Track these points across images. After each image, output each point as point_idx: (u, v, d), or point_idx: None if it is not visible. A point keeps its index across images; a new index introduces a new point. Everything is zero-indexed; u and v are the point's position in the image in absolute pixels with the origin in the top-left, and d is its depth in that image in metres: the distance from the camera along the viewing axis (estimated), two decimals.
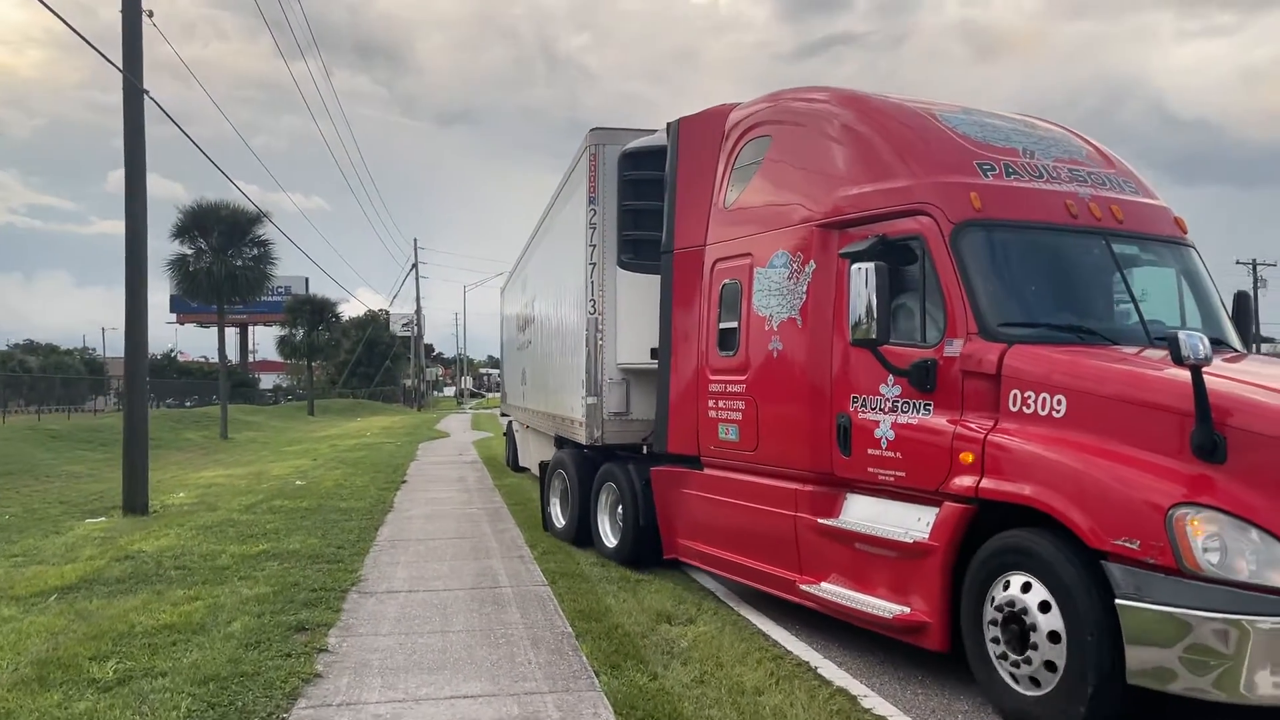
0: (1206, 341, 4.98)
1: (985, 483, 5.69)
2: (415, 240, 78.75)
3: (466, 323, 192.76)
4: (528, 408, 16.03)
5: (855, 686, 6.12)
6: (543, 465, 12.74)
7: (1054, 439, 5.52)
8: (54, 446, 28.98)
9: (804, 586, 7.04)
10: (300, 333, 63.24)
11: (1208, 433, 4.98)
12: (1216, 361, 5.67)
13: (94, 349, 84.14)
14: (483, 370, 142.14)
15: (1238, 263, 65.59)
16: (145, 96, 14.94)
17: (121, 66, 14.73)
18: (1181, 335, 4.96)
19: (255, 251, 39.56)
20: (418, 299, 79.04)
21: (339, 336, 68.81)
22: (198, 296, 40.49)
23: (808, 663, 6.57)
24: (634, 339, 9.83)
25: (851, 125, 7.26)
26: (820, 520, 6.97)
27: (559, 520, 11.52)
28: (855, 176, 7.06)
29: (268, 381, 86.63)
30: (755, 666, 6.40)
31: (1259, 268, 62.48)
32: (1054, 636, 5.20)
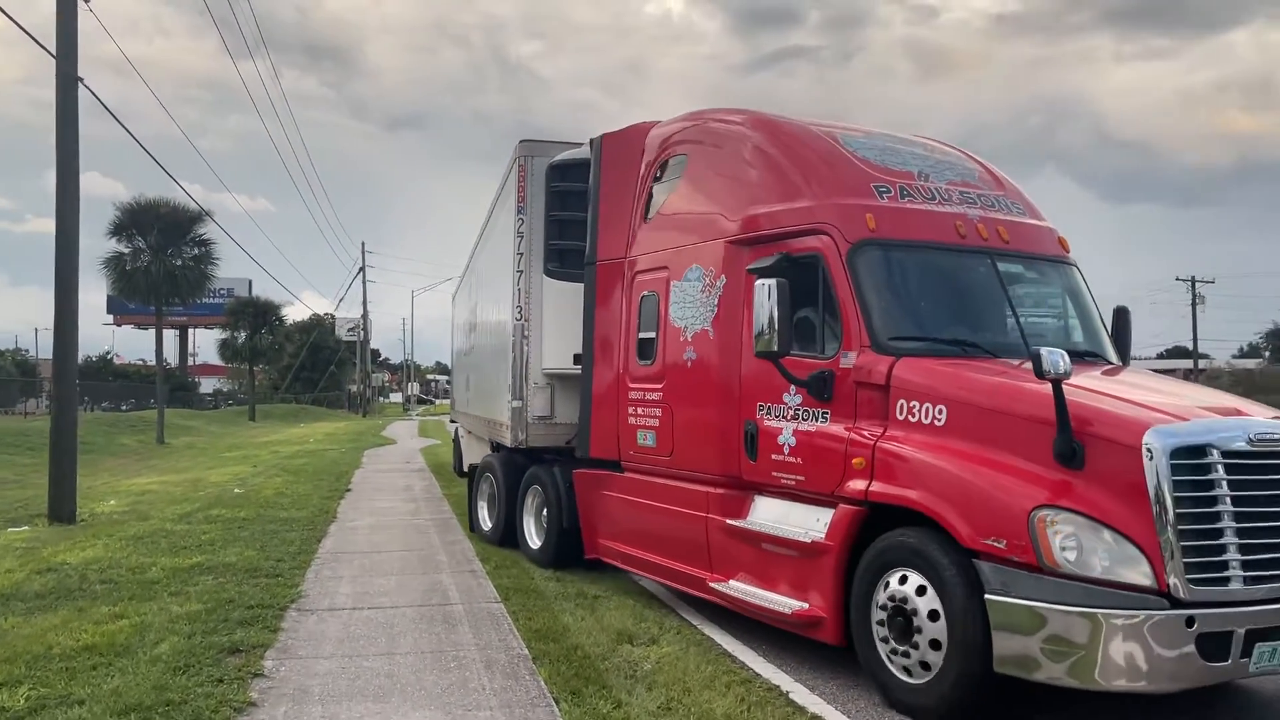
0: (1066, 357, 5.39)
1: (874, 486, 6.08)
2: (363, 244, 77.23)
3: (415, 328, 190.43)
4: (469, 413, 15.75)
5: (831, 714, 5.79)
6: (472, 468, 12.92)
7: (935, 446, 5.91)
8: None
9: (713, 584, 7.37)
10: (242, 336, 61.74)
11: (1067, 441, 5.38)
12: (1090, 374, 6.35)
13: (27, 350, 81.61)
14: (431, 376, 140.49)
15: (1178, 279, 67.06)
16: (80, 85, 14.24)
17: (55, 52, 14.03)
18: (1043, 352, 5.38)
19: (196, 251, 38.33)
20: (364, 303, 77.77)
21: (282, 340, 67.26)
22: (135, 297, 39.19)
23: (779, 686, 6.22)
24: (559, 345, 10.08)
25: (762, 147, 7.61)
26: (729, 521, 7.30)
27: (486, 523, 11.73)
28: (763, 196, 7.40)
29: (208, 385, 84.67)
30: (724, 692, 6.03)
31: (1197, 285, 63.82)
32: (937, 629, 5.54)
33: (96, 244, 43.77)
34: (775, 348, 6.59)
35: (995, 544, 5.32)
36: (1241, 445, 5.37)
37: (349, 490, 17.62)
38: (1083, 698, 5.49)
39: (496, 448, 12.07)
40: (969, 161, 8.06)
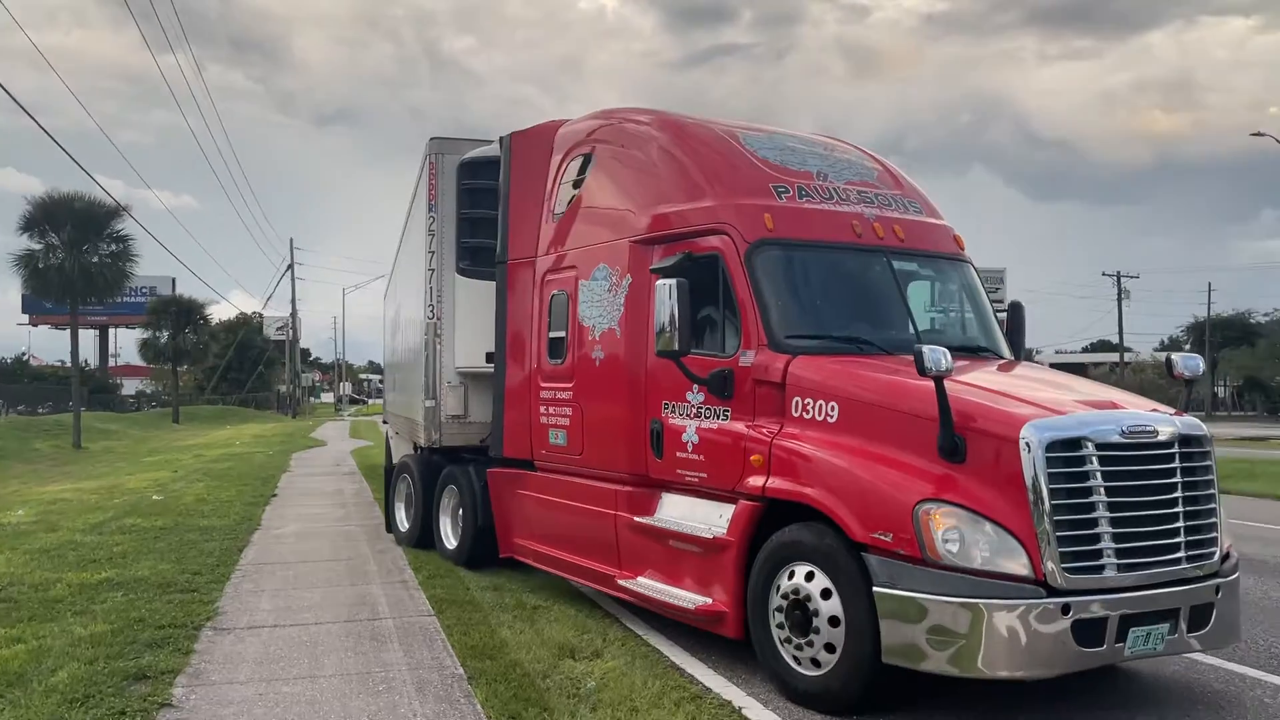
0: (948, 355, 5.48)
1: (771, 483, 6.20)
2: (291, 240, 75.19)
3: (347, 327, 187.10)
4: (396, 413, 15.33)
5: None
6: (388, 469, 12.77)
7: (827, 442, 6.03)
8: None
9: (621, 581, 7.41)
10: (165, 335, 59.88)
11: (949, 435, 5.52)
12: (979, 370, 6.67)
13: None
14: (364, 376, 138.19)
15: (1104, 274, 68.56)
16: None
17: None
18: (925, 349, 5.45)
19: (113, 248, 36.91)
20: (293, 301, 75.87)
21: (207, 340, 65.39)
22: (49, 295, 37.67)
23: (731, 702, 5.88)
24: (472, 343, 10.07)
25: (665, 147, 7.66)
26: (637, 519, 7.34)
27: (403, 523, 11.60)
28: (666, 196, 7.45)
29: (131, 387, 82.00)
30: (674, 710, 5.67)
31: (1123, 280, 65.30)
32: (834, 621, 5.66)
33: (11, 241, 41.79)
34: (676, 346, 6.63)
35: (882, 537, 5.45)
36: (1116, 438, 5.53)
37: (275, 495, 16.92)
38: (969, 684, 5.63)
39: (418, 448, 11.88)
40: (869, 161, 8.17)
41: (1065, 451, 5.39)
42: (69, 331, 41.45)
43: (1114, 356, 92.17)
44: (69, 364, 45.13)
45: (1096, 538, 5.37)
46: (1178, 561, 5.59)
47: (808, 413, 6.23)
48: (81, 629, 7.21)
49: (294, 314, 76.77)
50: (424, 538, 10.87)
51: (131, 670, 6.19)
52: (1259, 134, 37.81)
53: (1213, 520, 5.83)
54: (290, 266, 73.65)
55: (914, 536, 5.35)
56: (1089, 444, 5.44)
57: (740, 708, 5.79)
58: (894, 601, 5.37)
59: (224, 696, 5.83)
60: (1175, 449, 5.70)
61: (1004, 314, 8.17)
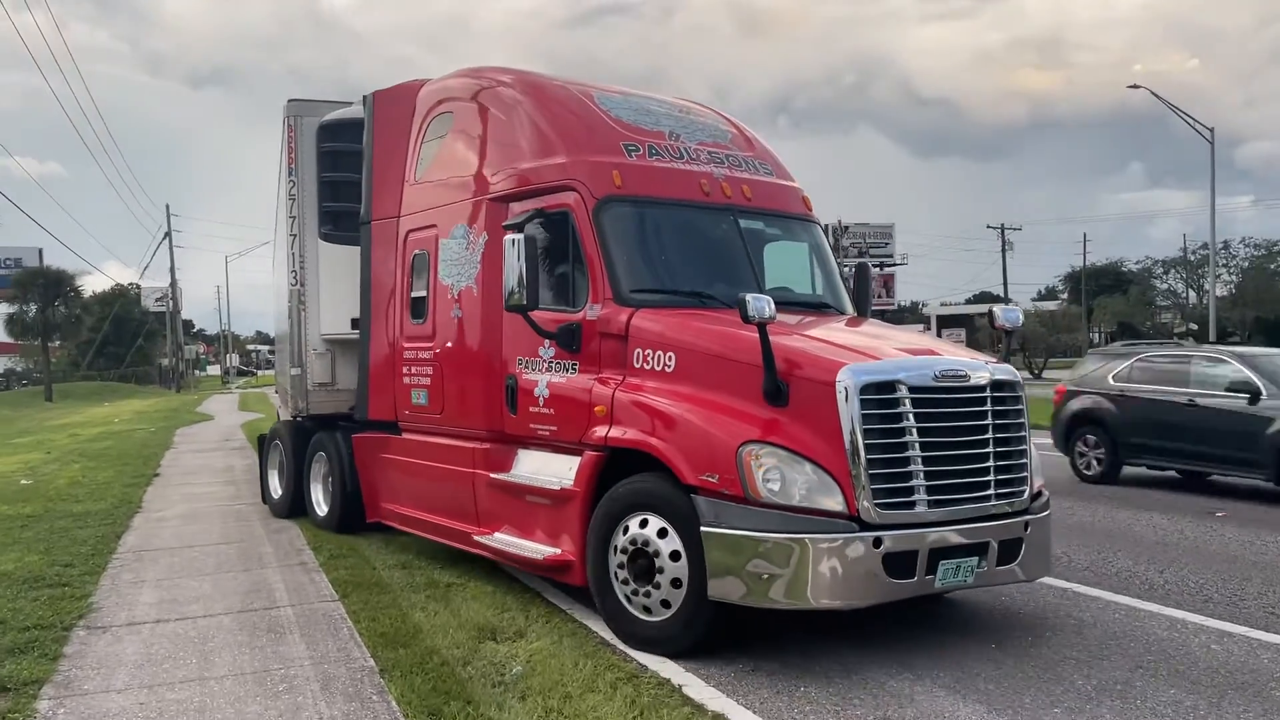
0: (771, 304, 5.73)
1: (612, 432, 6.37)
2: (168, 207, 71.36)
3: (232, 296, 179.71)
4: (279, 382, 14.48)
5: (734, 710, 5.06)
6: (260, 438, 12.63)
7: (664, 391, 6.24)
8: None
9: (478, 537, 7.52)
10: (33, 309, 56.38)
11: (772, 380, 5.78)
12: (814, 322, 7.05)
13: None
14: (252, 347, 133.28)
15: (988, 227, 70.27)
16: None
17: None
18: (749, 298, 5.70)
19: None
20: (172, 270, 72.18)
21: (79, 313, 61.91)
22: None
23: (669, 680, 5.46)
24: (337, 310, 9.97)
25: (521, 107, 7.71)
26: (493, 475, 7.47)
27: (276, 491, 11.49)
28: (520, 154, 7.55)
29: None
30: (610, 693, 5.21)
31: (1006, 232, 67.03)
32: (676, 560, 5.83)
33: None
34: (524, 302, 6.73)
35: (709, 479, 5.68)
36: (928, 381, 5.81)
37: (157, 475, 15.80)
38: (808, 623, 6.15)
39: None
40: (723, 123, 8.37)
41: (879, 394, 5.67)
42: None
43: (994, 307, 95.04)
44: None
45: (909, 475, 5.66)
46: (988, 499, 5.93)
47: (647, 363, 6.42)
48: None
49: (173, 283, 73.16)
50: (296, 507, 10.75)
51: None
52: (1135, 86, 38.78)
53: (1023, 460, 6.16)
54: (168, 234, 69.99)
55: (737, 477, 5.57)
56: (902, 387, 5.71)
57: (680, 685, 5.37)
58: (718, 539, 5.58)
59: (98, 709, 5.12)
60: (987, 393, 6.00)
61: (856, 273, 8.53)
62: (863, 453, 5.54)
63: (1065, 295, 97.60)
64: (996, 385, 6.06)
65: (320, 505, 10.34)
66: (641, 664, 5.76)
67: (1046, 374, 60.87)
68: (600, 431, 6.45)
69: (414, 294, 8.58)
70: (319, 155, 10.21)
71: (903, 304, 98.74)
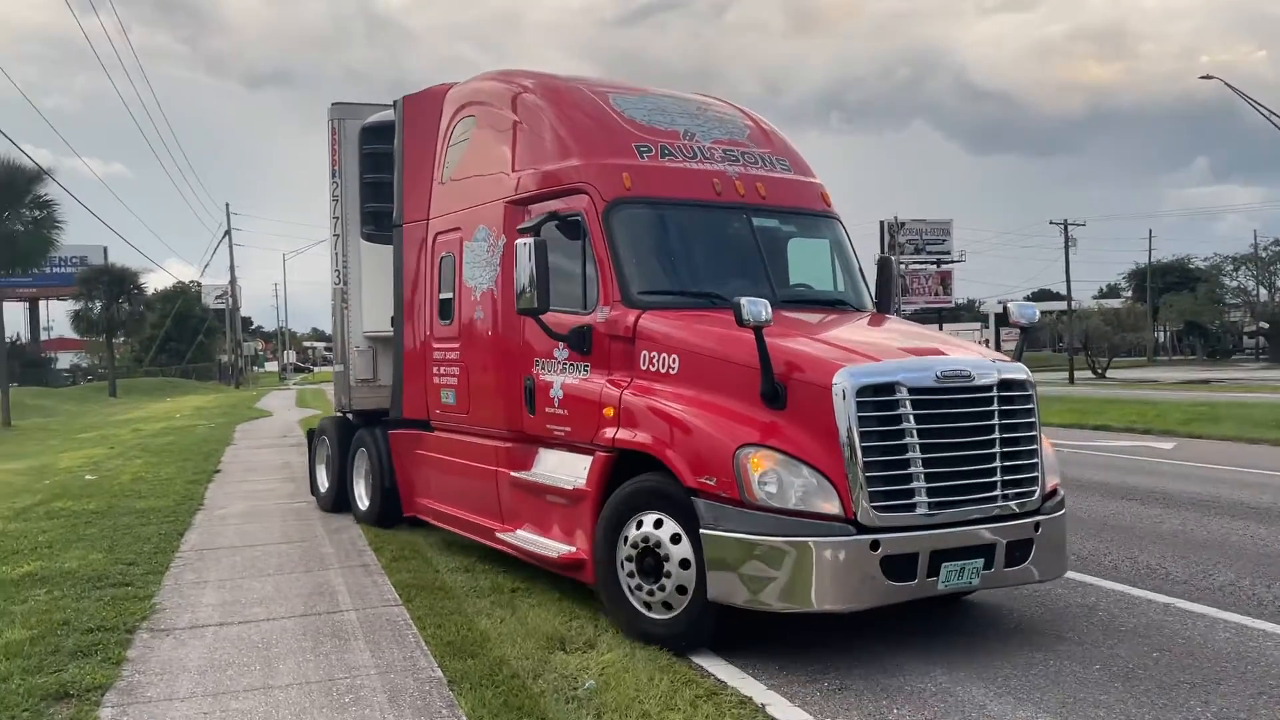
0: (768, 306, 5.67)
1: (619, 434, 6.41)
2: (227, 205, 72.52)
3: (289, 293, 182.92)
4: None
5: None
6: (309, 432, 12.78)
7: (667, 393, 6.27)
8: None
9: (501, 534, 7.64)
10: (98, 306, 57.48)
11: (770, 383, 5.76)
12: (822, 321, 7.02)
13: None
14: (308, 344, 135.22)
15: (1051, 223, 68.73)
16: None
17: None
18: (744, 301, 5.63)
19: (37, 214, 34.86)
20: (231, 267, 73.35)
21: (143, 309, 62.92)
22: None
23: (751, 699, 5.17)
24: (379, 308, 10.13)
25: (537, 109, 7.79)
26: (514, 474, 7.59)
27: (323, 485, 11.68)
28: (536, 157, 7.63)
29: (65, 361, 79.15)
30: (690, 711, 4.94)
31: (1070, 227, 65.51)
32: (685, 564, 5.84)
33: None
34: (535, 305, 6.78)
35: (708, 482, 5.69)
36: (929, 382, 5.72)
37: (219, 471, 15.85)
38: (819, 620, 5.91)
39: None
40: (742, 119, 8.32)
41: (877, 396, 5.60)
42: None
43: (1056, 305, 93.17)
44: None
45: (909, 478, 5.59)
46: (994, 499, 5.84)
47: (653, 365, 6.46)
48: None
49: (233, 281, 74.31)
50: (340, 501, 10.99)
51: (52, 688, 5.29)
52: (1208, 77, 37.61)
53: (1033, 460, 6.07)
54: (228, 232, 71.13)
55: (734, 480, 5.57)
56: (902, 389, 5.64)
57: (764, 704, 5.08)
58: (716, 542, 5.60)
59: (161, 717, 4.96)
60: (994, 393, 5.89)
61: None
62: (860, 455, 5.50)
63: (1130, 293, 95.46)
64: (1005, 385, 5.96)
65: (362, 499, 10.54)
66: (720, 679, 5.47)
67: (1111, 373, 59.52)
68: (609, 433, 6.50)
69: (442, 296, 8.78)
70: (361, 157, 10.39)
71: (959, 301, 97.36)
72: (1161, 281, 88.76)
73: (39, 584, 7.76)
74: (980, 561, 5.78)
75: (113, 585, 7.69)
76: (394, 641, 6.15)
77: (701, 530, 5.66)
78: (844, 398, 5.54)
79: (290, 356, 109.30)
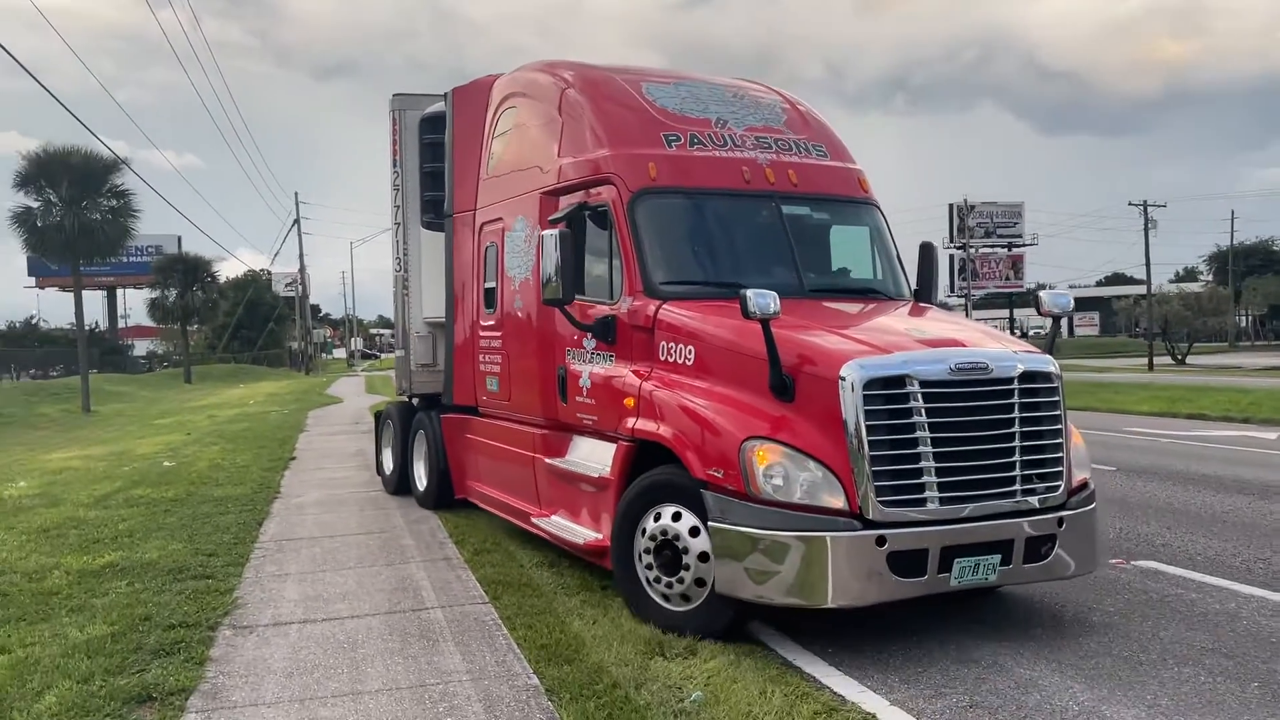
0: (775, 299, 5.57)
1: (638, 424, 6.42)
2: (296, 194, 73.71)
3: (356, 281, 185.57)
4: None
5: None
6: (376, 415, 13.04)
7: (682, 384, 6.25)
8: None
9: (536, 519, 7.75)
10: (173, 294, 58.69)
11: (778, 375, 5.69)
12: (841, 311, 6.86)
13: None
14: (374, 331, 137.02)
15: (1130, 204, 66.49)
16: None
17: None
18: (749, 294, 5.57)
19: (114, 203, 35.54)
20: (300, 255, 74.52)
21: (216, 297, 64.16)
22: (50, 254, 36.38)
23: (875, 715, 4.75)
24: (438, 295, 10.24)
25: (570, 99, 7.78)
26: (548, 460, 7.68)
27: (388, 467, 11.88)
28: (569, 148, 7.64)
29: (142, 348, 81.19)
30: None
31: (1150, 209, 63.31)
32: (704, 557, 5.80)
33: (11, 200, 40.02)
34: (560, 295, 6.85)
35: (715, 474, 5.65)
36: (943, 375, 5.56)
37: (294, 459, 15.81)
38: (841, 613, 5.64)
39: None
40: (781, 105, 8.18)
41: (885, 389, 5.47)
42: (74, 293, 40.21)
43: (1130, 289, 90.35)
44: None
45: (918, 472, 5.45)
46: (1012, 495, 5.66)
47: (671, 355, 6.45)
48: (77, 632, 6.09)
49: (302, 269, 75.56)
50: (402, 483, 11.21)
51: (134, 690, 5.06)
52: None
53: (1058, 454, 5.87)
54: (297, 221, 72.20)
55: (740, 472, 5.52)
56: (913, 381, 5.49)
57: None
58: (722, 534, 5.57)
59: None
60: (1014, 385, 5.70)
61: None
62: (866, 449, 5.38)
63: (1210, 276, 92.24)
64: (1027, 377, 5.77)
65: (420, 480, 10.72)
66: (837, 693, 5.06)
67: (1191, 359, 57.42)
68: (630, 423, 6.52)
69: (486, 285, 8.96)
70: (421, 147, 10.49)
71: (1030, 286, 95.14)
72: (1244, 264, 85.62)
73: (120, 575, 7.62)
74: (997, 558, 5.61)
75: (193, 577, 7.51)
76: (484, 644, 5.83)
77: (709, 523, 5.65)
78: (851, 390, 5.42)
79: (357, 343, 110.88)
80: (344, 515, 10.38)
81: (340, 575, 7.65)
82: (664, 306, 6.57)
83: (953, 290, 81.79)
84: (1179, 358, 58.78)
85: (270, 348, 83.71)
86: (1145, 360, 53.73)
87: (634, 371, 6.66)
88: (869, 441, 5.38)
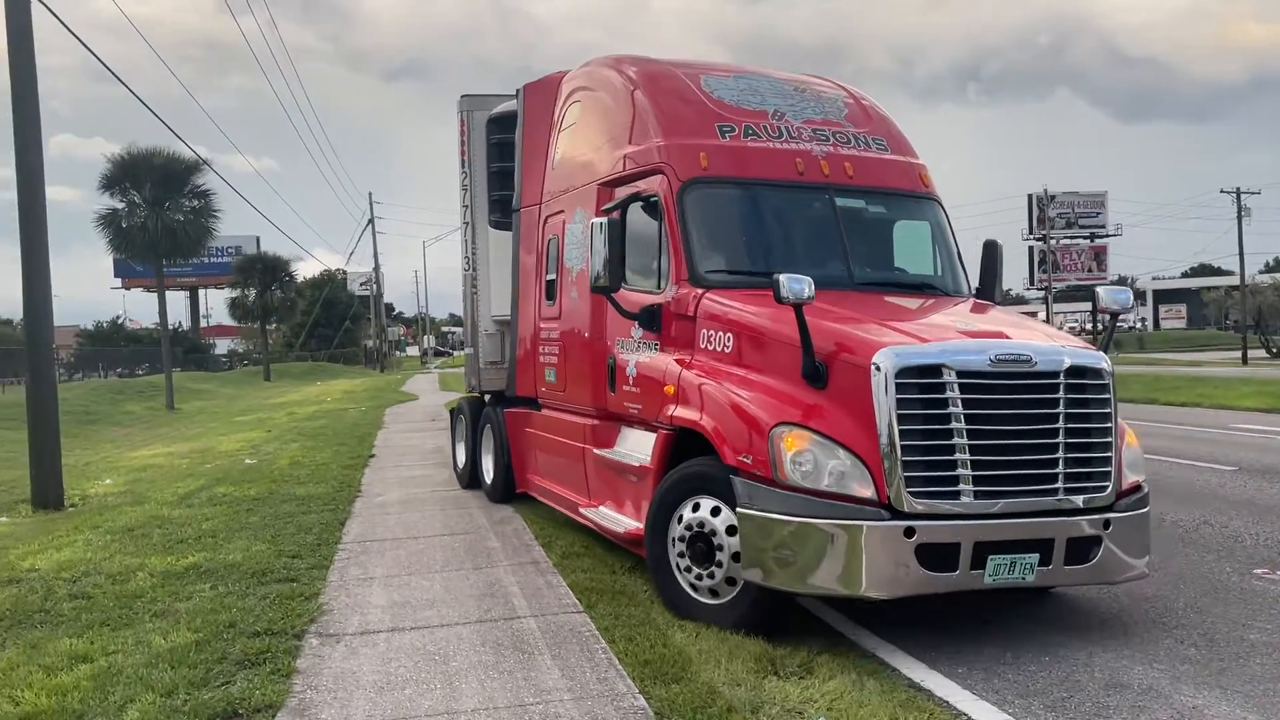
0: (810, 284, 5.54)
1: (676, 411, 6.40)
2: (370, 195, 74.73)
3: (428, 279, 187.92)
4: None
5: None
6: (451, 411, 13.20)
7: (720, 371, 6.24)
8: None
9: (583, 509, 7.86)
10: (252, 293, 59.83)
11: (811, 362, 5.64)
12: (887, 304, 6.74)
13: None
14: (446, 329, 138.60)
15: (1222, 191, 63.98)
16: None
17: None
18: (782, 278, 5.53)
19: (195, 204, 36.19)
20: (375, 255, 75.51)
21: (294, 296, 65.27)
22: (133, 254, 37.17)
23: None
24: (505, 293, 10.34)
25: (628, 92, 7.83)
26: (597, 451, 7.73)
27: (460, 462, 12.11)
28: (626, 139, 7.70)
29: (223, 347, 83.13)
30: None
31: (1242, 196, 60.73)
32: (737, 557, 5.71)
33: (100, 204, 41.05)
34: (607, 284, 6.94)
35: (745, 460, 5.64)
36: (982, 365, 5.41)
37: (373, 456, 15.68)
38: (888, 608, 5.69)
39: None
40: (844, 98, 8.12)
41: (921, 378, 5.37)
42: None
43: (1219, 280, 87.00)
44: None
45: (952, 464, 5.33)
46: (1053, 492, 5.49)
47: (711, 344, 6.47)
48: (161, 639, 5.86)
49: (377, 268, 76.52)
50: (473, 478, 11.38)
51: (219, 705, 4.77)
52: None
53: (1106, 454, 5.66)
54: (371, 221, 73.19)
55: (768, 459, 5.49)
56: (949, 371, 5.37)
57: None
58: (749, 520, 5.54)
59: None
60: (1060, 380, 5.53)
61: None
62: (897, 439, 5.28)
63: None
64: (1075, 372, 5.57)
65: (488, 474, 10.83)
66: (971, 716, 4.56)
67: None
68: (670, 410, 6.50)
69: (548, 277, 9.01)
70: (489, 147, 10.68)
71: (1113, 279, 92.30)
72: None
73: (204, 578, 7.42)
74: (1035, 557, 5.43)
75: (277, 581, 7.27)
76: (583, 658, 5.43)
77: (737, 509, 5.62)
78: (884, 378, 5.33)
79: (430, 341, 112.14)
80: (426, 515, 10.12)
81: (427, 579, 7.34)
82: (706, 294, 6.59)
83: (1032, 283, 79.85)
84: (1275, 350, 56.37)
85: (346, 346, 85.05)
86: (1238, 354, 51.56)
87: (677, 360, 6.65)
88: (900, 431, 5.28)
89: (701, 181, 6.96)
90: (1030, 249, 77.26)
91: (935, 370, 5.36)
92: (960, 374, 5.36)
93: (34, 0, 12.09)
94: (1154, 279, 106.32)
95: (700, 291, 6.63)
